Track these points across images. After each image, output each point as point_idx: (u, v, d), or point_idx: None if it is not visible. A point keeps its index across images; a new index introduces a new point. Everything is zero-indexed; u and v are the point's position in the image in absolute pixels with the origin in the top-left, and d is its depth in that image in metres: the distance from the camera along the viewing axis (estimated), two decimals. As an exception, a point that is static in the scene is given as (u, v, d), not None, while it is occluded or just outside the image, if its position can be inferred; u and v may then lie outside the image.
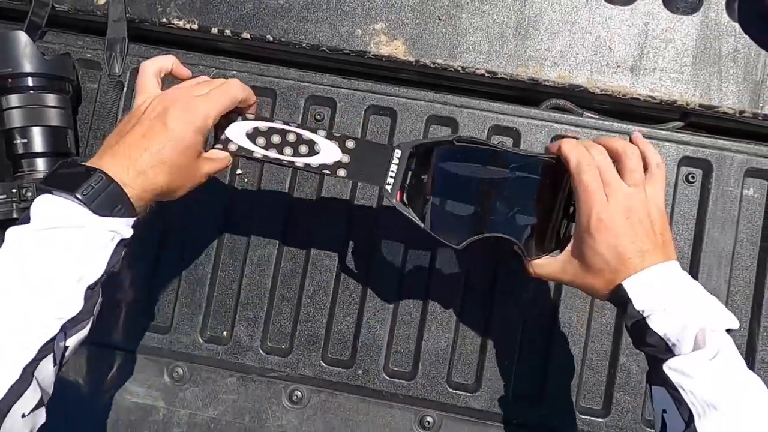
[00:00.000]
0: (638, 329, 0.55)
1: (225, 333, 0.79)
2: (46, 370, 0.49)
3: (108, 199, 0.53)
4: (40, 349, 0.48)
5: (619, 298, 0.56)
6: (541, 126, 0.79)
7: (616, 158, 0.60)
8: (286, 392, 0.77)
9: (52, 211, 0.52)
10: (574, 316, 0.77)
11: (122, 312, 0.79)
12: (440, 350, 0.77)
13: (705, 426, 0.48)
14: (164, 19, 0.83)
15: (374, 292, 0.78)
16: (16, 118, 0.75)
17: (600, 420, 0.75)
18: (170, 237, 0.80)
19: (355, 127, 0.80)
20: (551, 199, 0.64)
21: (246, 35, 0.82)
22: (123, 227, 0.54)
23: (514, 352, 0.77)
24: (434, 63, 0.81)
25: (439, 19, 0.81)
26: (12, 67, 0.74)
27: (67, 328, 0.50)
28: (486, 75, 0.81)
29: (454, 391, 0.77)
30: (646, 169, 0.60)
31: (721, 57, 0.79)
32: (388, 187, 0.64)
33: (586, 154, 0.59)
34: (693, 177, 0.78)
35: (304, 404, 0.77)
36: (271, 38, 0.82)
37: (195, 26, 0.82)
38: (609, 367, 0.76)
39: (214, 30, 0.82)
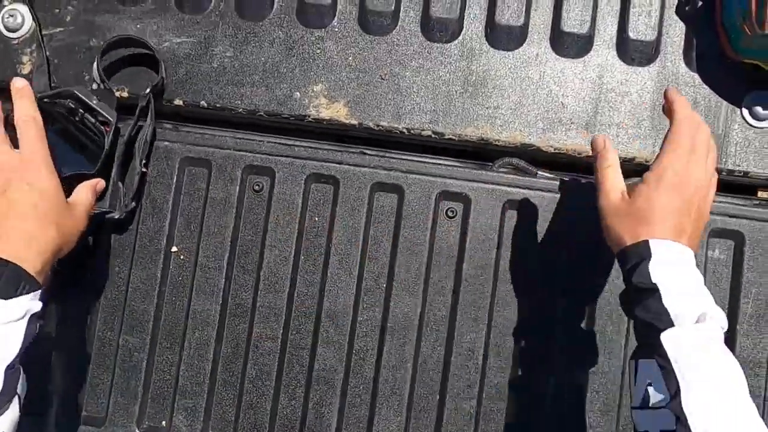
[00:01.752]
0: (644, 293, 0.54)
1: (164, 422, 0.74)
2: None
3: (9, 282, 0.55)
4: None
5: (636, 252, 0.55)
6: (492, 190, 0.74)
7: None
8: (230, 485, 0.73)
9: None
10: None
11: (53, 403, 0.74)
12: (393, 434, 0.73)
13: (690, 399, 0.49)
14: (94, 87, 0.78)
15: (321, 373, 0.73)
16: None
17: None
18: (103, 320, 0.75)
19: (296, 197, 0.75)
20: None
21: (179, 102, 0.78)
22: (31, 303, 0.56)
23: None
24: (378, 125, 0.77)
25: (382, 79, 0.77)
26: None
27: None
28: (433, 136, 0.76)
29: (409, 478, 0.72)
30: None
31: (680, 109, 0.75)
32: None
33: (696, 118, 0.60)
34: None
35: (251, 497, 0.73)
36: (206, 104, 0.78)
37: (125, 94, 0.78)
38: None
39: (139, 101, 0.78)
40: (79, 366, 0.75)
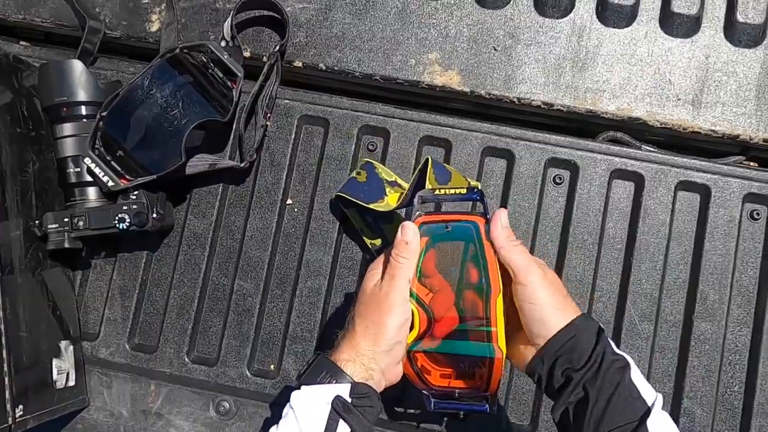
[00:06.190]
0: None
1: (272, 366, 0.77)
2: None
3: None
4: None
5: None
6: (600, 159, 0.77)
7: None
8: (334, 429, 0.75)
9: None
10: (635, 358, 0.74)
11: (168, 342, 0.77)
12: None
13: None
14: (222, 44, 0.82)
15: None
16: (69, 147, 0.74)
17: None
18: (218, 266, 0.79)
19: (409, 158, 0.79)
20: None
21: (298, 63, 0.82)
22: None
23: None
24: (489, 94, 0.80)
25: (495, 50, 0.80)
26: (67, 96, 0.74)
27: None
28: (542, 106, 0.79)
29: None
30: None
31: (785, 91, 0.77)
32: None
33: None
34: (758, 214, 0.76)
35: (353, 442, 0.75)
36: (324, 67, 0.81)
37: (247, 54, 0.82)
38: (671, 411, 0.73)
39: (265, 58, 0.81)
40: (194, 308, 0.78)
